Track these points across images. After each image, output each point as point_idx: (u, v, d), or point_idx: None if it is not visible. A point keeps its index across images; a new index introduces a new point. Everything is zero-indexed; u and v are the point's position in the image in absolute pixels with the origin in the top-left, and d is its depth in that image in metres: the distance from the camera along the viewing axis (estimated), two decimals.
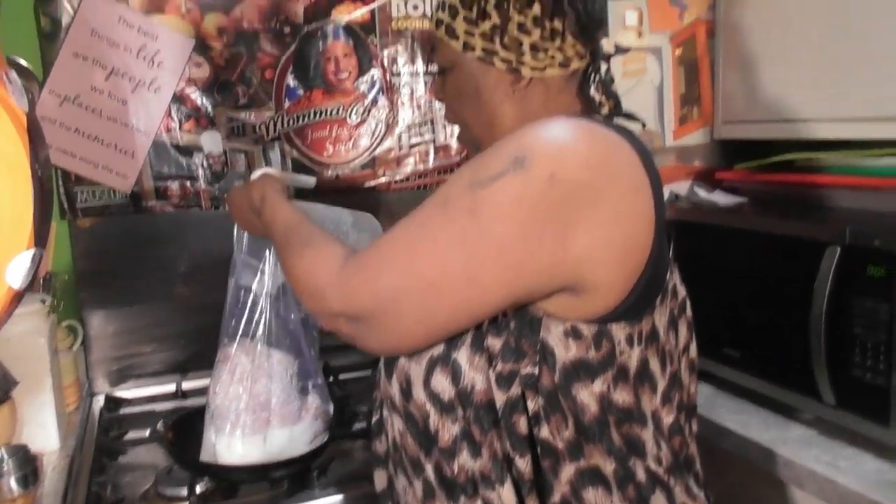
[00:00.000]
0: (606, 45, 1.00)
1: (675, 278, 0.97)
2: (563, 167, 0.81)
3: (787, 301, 1.37)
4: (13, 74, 0.85)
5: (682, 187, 1.82)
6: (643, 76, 1.82)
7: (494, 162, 0.84)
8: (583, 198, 0.81)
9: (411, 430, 0.93)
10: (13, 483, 1.28)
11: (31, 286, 1.52)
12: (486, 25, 0.94)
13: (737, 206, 1.65)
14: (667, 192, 1.78)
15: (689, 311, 1.02)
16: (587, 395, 0.87)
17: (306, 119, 1.88)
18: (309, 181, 1.42)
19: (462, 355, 0.88)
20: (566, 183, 0.81)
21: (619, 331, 0.87)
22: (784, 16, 1.60)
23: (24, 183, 0.86)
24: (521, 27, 0.92)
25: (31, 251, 0.89)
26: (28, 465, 1.30)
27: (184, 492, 1.29)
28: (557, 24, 0.92)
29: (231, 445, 1.28)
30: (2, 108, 0.81)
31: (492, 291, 0.83)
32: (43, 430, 1.43)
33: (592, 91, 0.99)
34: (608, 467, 0.88)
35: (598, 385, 0.87)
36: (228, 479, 1.33)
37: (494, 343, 0.87)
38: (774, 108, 1.64)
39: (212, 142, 1.82)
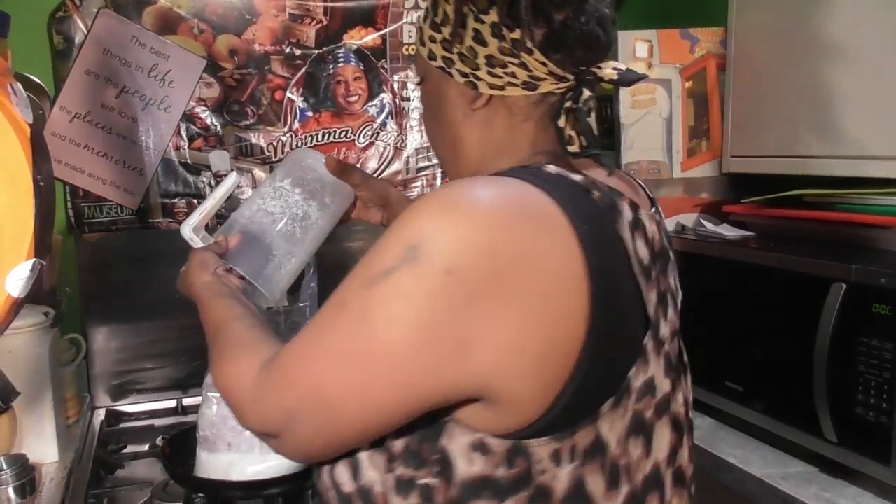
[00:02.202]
0: (609, 70, 0.81)
1: (652, 370, 0.77)
2: (462, 259, 0.66)
3: (791, 337, 1.36)
4: (18, 87, 0.86)
5: (688, 219, 1.82)
6: (652, 107, 1.82)
7: (389, 250, 0.69)
8: (487, 296, 0.66)
9: None
10: (11, 492, 1.29)
11: (34, 297, 1.53)
12: (446, 31, 0.81)
13: (743, 239, 1.64)
14: (673, 222, 1.79)
15: (679, 408, 0.83)
16: None
17: (315, 140, 1.90)
18: (230, 181, 1.28)
19: (363, 451, 0.78)
20: (467, 279, 0.66)
21: (539, 448, 0.72)
22: (795, 53, 1.60)
23: (26, 194, 0.86)
24: (476, 35, 0.78)
25: (31, 261, 0.89)
26: (26, 474, 1.31)
27: None
28: (517, 34, 0.77)
29: (227, 462, 1.28)
30: (6, 120, 0.82)
31: (387, 412, 0.71)
32: (42, 441, 1.44)
33: (562, 122, 0.82)
34: None
35: None
36: (223, 495, 1.32)
37: (395, 444, 0.75)
38: (784, 144, 1.63)
39: (220, 160, 1.84)
